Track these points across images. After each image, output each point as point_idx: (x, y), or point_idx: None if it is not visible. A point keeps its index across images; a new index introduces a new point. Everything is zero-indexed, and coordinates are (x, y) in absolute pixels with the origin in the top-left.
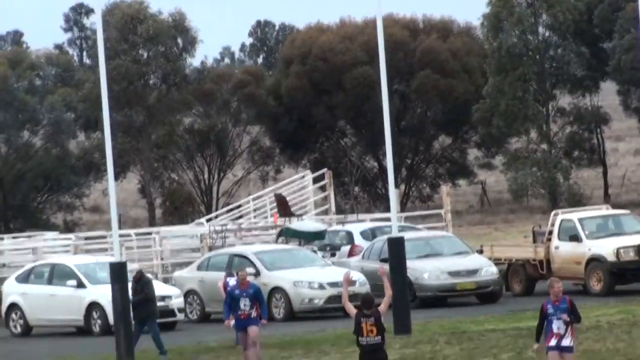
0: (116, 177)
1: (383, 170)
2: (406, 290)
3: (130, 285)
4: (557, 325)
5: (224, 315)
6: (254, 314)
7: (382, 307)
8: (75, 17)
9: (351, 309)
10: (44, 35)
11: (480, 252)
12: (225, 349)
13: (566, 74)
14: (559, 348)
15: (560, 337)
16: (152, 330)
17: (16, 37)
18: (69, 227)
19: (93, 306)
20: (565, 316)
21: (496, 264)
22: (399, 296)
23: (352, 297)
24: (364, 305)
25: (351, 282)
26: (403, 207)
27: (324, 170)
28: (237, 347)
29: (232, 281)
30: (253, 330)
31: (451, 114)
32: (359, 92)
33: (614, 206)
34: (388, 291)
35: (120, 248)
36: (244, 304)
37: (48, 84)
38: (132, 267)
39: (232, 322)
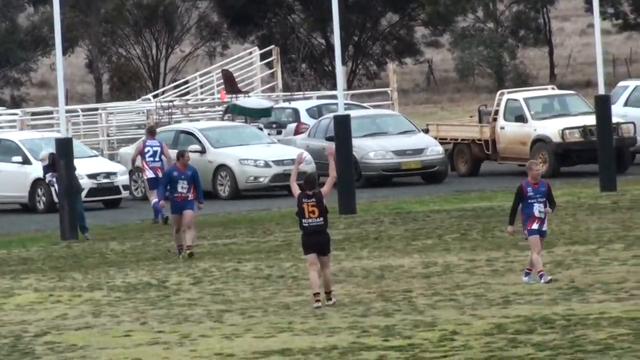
0: (64, 52)
1: (330, 47)
2: (351, 170)
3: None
4: (538, 209)
5: (158, 195)
6: (190, 196)
7: (325, 189)
8: None
9: (296, 190)
10: None
11: (426, 131)
12: (168, 226)
13: None
14: (539, 232)
15: (542, 222)
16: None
17: None
18: (16, 102)
19: (38, 183)
20: (543, 206)
21: (442, 144)
22: (344, 176)
23: (298, 177)
24: (307, 185)
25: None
26: (350, 85)
27: (272, 46)
28: (157, 225)
29: (150, 142)
30: (188, 214)
31: None
32: None
33: (560, 87)
34: (332, 172)
35: (66, 124)
36: (182, 186)
37: None
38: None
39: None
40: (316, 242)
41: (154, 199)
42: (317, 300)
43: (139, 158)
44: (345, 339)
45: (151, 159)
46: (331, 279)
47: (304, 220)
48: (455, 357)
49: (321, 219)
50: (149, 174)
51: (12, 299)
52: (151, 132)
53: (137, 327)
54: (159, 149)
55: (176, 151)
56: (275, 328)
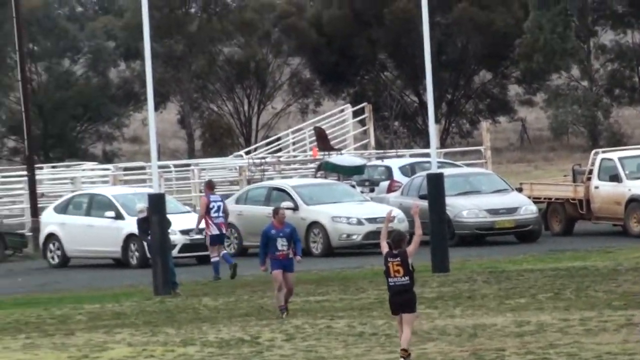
0: (156, 108)
1: (423, 105)
2: (445, 228)
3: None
4: None
5: (260, 260)
6: (291, 254)
7: (411, 248)
8: None
9: (384, 248)
10: None
11: (520, 190)
12: (261, 283)
13: (608, 9)
14: None
15: None
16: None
17: None
18: (108, 158)
19: (131, 238)
20: None
21: (535, 203)
22: (437, 234)
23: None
24: (393, 243)
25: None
26: (442, 143)
27: (364, 104)
28: (218, 281)
29: (213, 197)
30: (291, 277)
31: (491, 48)
32: (399, 25)
33: None
34: (418, 230)
35: (158, 179)
36: (282, 244)
37: (89, 11)
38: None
39: (268, 267)
40: (402, 301)
41: (214, 256)
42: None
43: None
44: None
45: (216, 214)
46: (410, 338)
47: (389, 280)
48: None
49: (406, 278)
50: (214, 230)
51: (105, 353)
52: (211, 187)
53: None
54: (221, 204)
55: (270, 209)
56: None
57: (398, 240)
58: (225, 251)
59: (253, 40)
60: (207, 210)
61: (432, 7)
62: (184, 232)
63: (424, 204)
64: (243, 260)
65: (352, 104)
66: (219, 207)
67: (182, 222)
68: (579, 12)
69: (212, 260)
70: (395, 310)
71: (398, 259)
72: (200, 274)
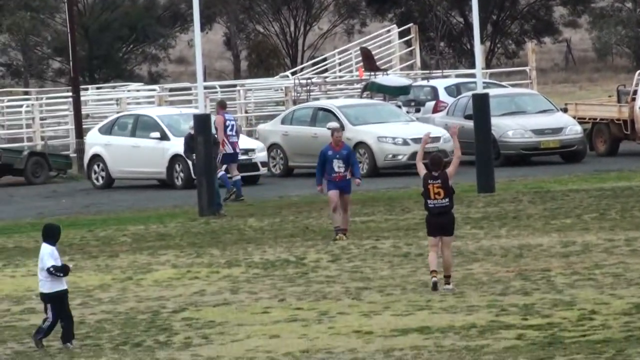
0: (202, 28)
1: (469, 25)
2: (490, 148)
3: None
4: None
5: (317, 180)
6: (348, 175)
7: (451, 169)
8: None
9: (422, 170)
10: None
11: (565, 110)
12: (307, 204)
13: None
14: None
15: None
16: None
17: None
18: (153, 78)
19: (176, 159)
20: None
21: (580, 123)
22: (482, 154)
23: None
24: (433, 166)
25: (433, 140)
26: (488, 64)
27: (410, 24)
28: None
29: (227, 116)
30: (347, 198)
31: None
32: None
33: None
34: (457, 152)
35: (204, 100)
36: (338, 165)
37: None
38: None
39: (324, 188)
40: (441, 223)
41: (221, 172)
42: (434, 276)
43: (218, 133)
44: (483, 317)
45: (231, 133)
46: (452, 262)
47: (429, 201)
48: (594, 336)
49: (447, 200)
50: (228, 149)
51: (150, 274)
52: (223, 106)
53: (275, 304)
54: (234, 122)
55: (316, 129)
56: (414, 306)
57: (438, 161)
58: (223, 173)
59: None
60: (224, 128)
61: None
62: None
63: (469, 124)
64: (288, 181)
65: (398, 24)
66: (232, 125)
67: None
68: None
69: (234, 178)
70: (433, 231)
71: (439, 180)
72: (246, 195)
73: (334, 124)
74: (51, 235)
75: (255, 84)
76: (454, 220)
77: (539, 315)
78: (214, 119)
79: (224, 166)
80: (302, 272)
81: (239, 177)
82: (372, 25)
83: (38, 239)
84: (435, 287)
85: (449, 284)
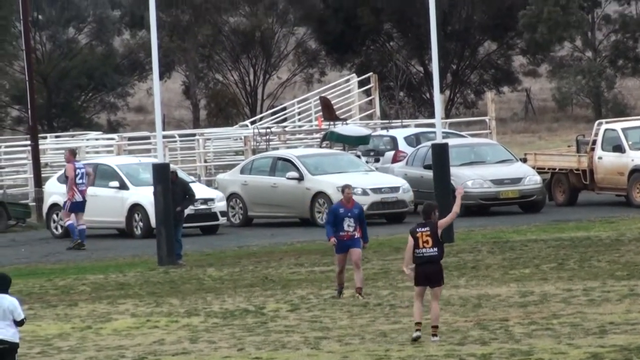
0: (161, 77)
1: (428, 75)
2: (449, 198)
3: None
4: None
5: (328, 234)
6: (356, 235)
7: (442, 221)
8: None
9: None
10: None
11: (524, 160)
12: (266, 253)
13: None
14: None
15: None
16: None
17: None
18: (112, 127)
19: (135, 208)
20: None
21: (539, 173)
22: (442, 204)
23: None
24: (423, 214)
25: (391, 190)
26: (447, 114)
27: (370, 74)
28: (79, 246)
29: (77, 164)
30: (357, 252)
31: (496, 19)
32: None
33: None
34: (456, 208)
35: (163, 149)
36: (348, 224)
37: None
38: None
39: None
40: (427, 272)
41: (70, 221)
42: (418, 330)
43: (68, 182)
44: None
45: (80, 181)
46: (439, 314)
47: (417, 250)
48: None
49: (435, 249)
50: (78, 197)
51: (109, 323)
52: (74, 154)
53: (235, 353)
54: (84, 170)
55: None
56: (372, 355)
57: (428, 210)
58: (72, 222)
59: (259, 10)
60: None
61: None
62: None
63: (429, 174)
64: (248, 230)
65: (358, 73)
66: (82, 173)
67: None
68: None
69: (67, 224)
70: (420, 281)
71: (427, 228)
72: (205, 244)
73: (291, 174)
74: (4, 284)
75: (214, 133)
76: (441, 270)
77: None
78: (65, 167)
79: (72, 215)
80: (261, 321)
81: (84, 226)
82: (331, 75)
83: None
84: (415, 340)
85: (435, 335)
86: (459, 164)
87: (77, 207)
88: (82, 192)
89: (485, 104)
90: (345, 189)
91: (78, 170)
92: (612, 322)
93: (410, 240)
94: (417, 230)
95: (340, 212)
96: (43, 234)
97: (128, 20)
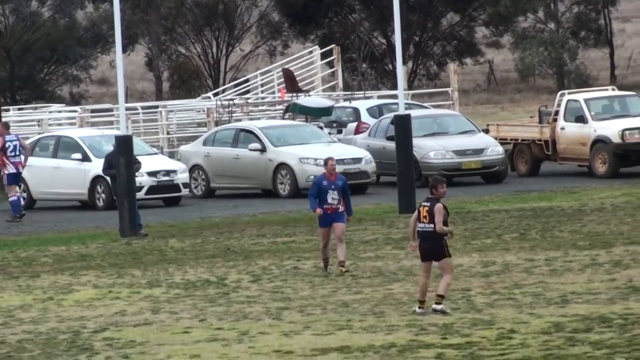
0: (124, 50)
1: (391, 46)
2: (411, 169)
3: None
4: None
5: (313, 205)
6: (341, 208)
7: (439, 218)
8: None
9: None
10: None
11: (487, 131)
12: (228, 224)
13: None
14: None
15: None
16: None
17: None
18: (75, 100)
19: (98, 180)
20: None
21: (502, 144)
22: (404, 175)
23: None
24: (430, 188)
25: (354, 161)
26: (410, 85)
27: (332, 46)
28: (16, 220)
29: (8, 137)
30: (340, 226)
31: None
32: None
33: (620, 88)
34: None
35: (126, 121)
36: (332, 197)
37: None
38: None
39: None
40: (427, 247)
41: (12, 195)
42: (420, 307)
43: None
44: (403, 336)
45: (12, 154)
46: (445, 286)
47: (418, 224)
48: (512, 355)
49: (431, 225)
50: (11, 169)
51: (71, 295)
52: (7, 127)
53: (196, 324)
54: (17, 143)
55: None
56: (334, 326)
57: (433, 185)
58: (13, 196)
59: None
60: (4, 150)
61: None
62: (152, 174)
63: (391, 145)
64: (210, 202)
65: (320, 45)
66: (14, 146)
67: (149, 164)
68: None
69: (10, 199)
70: (422, 256)
71: (428, 204)
72: (167, 215)
73: (254, 145)
74: None
75: (177, 105)
76: (440, 245)
77: (458, 335)
78: None
79: (16, 188)
80: (223, 292)
81: (15, 197)
82: (294, 47)
83: None
84: (415, 312)
85: (439, 303)
86: (421, 135)
87: (14, 179)
88: (16, 165)
89: (447, 76)
90: (328, 161)
91: (9, 143)
92: (574, 291)
93: (415, 213)
94: (422, 204)
95: (324, 185)
96: (4, 206)
97: None
